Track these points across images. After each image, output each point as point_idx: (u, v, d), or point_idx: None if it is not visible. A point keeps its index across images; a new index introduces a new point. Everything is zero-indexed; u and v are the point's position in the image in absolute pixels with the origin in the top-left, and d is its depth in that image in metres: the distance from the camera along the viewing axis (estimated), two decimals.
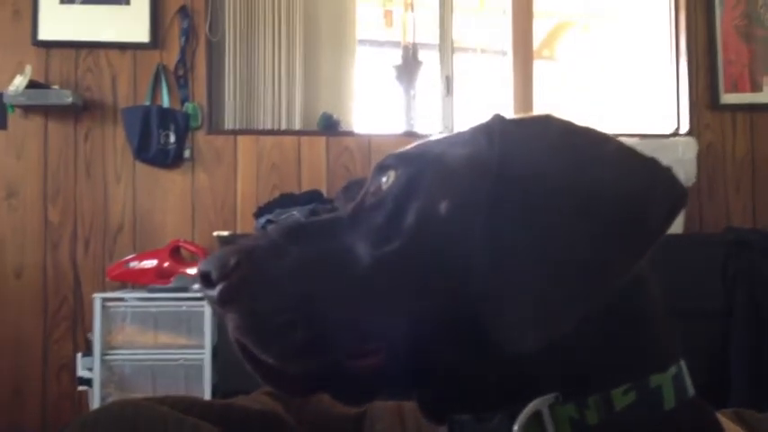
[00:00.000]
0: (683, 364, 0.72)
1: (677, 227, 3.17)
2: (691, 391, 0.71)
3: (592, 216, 0.61)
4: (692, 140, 3.28)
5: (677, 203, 0.65)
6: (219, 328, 2.94)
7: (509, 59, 3.80)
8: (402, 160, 0.70)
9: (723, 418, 1.20)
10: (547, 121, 0.71)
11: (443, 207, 0.64)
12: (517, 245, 0.59)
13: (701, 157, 3.47)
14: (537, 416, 0.63)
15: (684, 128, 3.68)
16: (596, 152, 0.67)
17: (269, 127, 3.60)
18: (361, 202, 0.71)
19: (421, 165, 0.68)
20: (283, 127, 3.61)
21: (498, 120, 0.70)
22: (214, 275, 0.65)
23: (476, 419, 0.69)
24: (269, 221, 3.09)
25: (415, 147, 0.73)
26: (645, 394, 0.66)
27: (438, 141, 0.73)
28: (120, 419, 1.08)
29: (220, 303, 0.65)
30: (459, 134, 0.73)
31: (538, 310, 0.58)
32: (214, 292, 0.65)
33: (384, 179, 0.69)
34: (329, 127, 3.58)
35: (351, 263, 0.65)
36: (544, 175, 0.62)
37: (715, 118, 3.69)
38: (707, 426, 0.73)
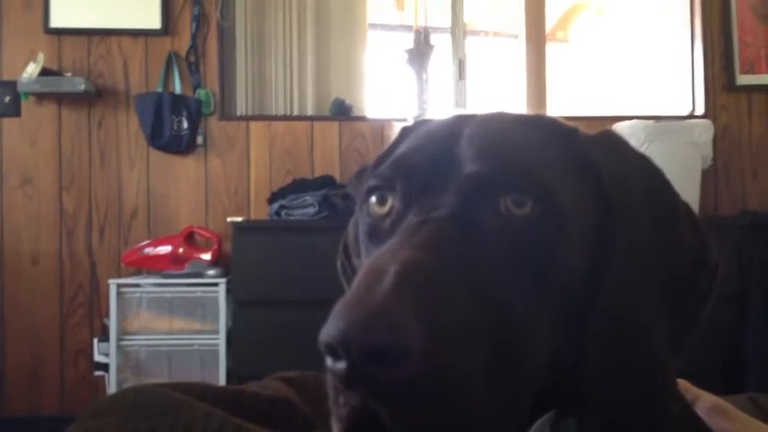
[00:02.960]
0: None
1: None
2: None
3: (681, 267, 0.66)
4: (707, 123, 3.25)
5: (719, 256, 0.71)
6: (234, 313, 2.96)
7: (522, 43, 3.77)
8: (537, 187, 0.62)
9: (730, 405, 1.21)
10: (623, 147, 0.71)
11: (576, 250, 0.62)
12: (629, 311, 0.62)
13: (717, 140, 3.45)
14: None
15: (700, 110, 3.65)
16: (678, 201, 0.70)
17: (281, 112, 3.60)
18: (467, 217, 0.61)
19: (556, 200, 0.62)
20: (295, 112, 3.60)
21: (595, 148, 0.68)
22: (389, 349, 0.48)
23: None
24: (282, 207, 3.10)
25: (515, 154, 0.65)
26: None
27: (534, 155, 0.65)
28: (133, 406, 1.09)
29: (378, 391, 0.49)
30: (562, 150, 0.67)
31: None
32: (375, 371, 0.48)
33: (511, 201, 0.61)
34: (341, 112, 3.58)
35: (517, 306, 0.58)
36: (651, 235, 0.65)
37: (731, 99, 3.65)
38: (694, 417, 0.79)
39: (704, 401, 1.21)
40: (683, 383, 1.23)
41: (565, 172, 0.64)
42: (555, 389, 0.63)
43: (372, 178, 0.69)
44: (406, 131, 0.77)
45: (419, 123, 0.77)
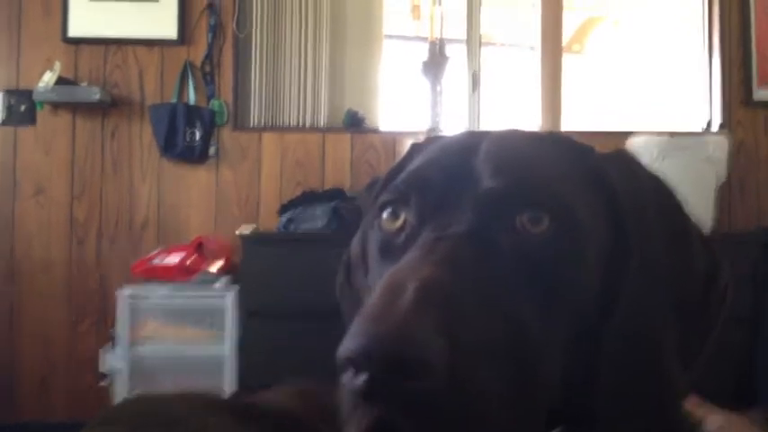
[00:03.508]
0: None
1: (706, 227, 3.11)
2: None
3: (692, 287, 0.67)
4: (723, 138, 3.23)
5: (729, 277, 0.73)
6: (242, 323, 2.96)
7: (537, 54, 3.76)
8: (553, 204, 0.62)
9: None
10: (638, 168, 0.72)
11: (592, 268, 0.62)
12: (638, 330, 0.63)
13: (733, 155, 3.41)
14: None
15: (716, 124, 3.61)
16: (689, 223, 0.72)
17: (294, 123, 3.60)
18: (486, 234, 0.61)
19: (573, 218, 0.62)
20: (308, 124, 3.60)
21: (612, 165, 0.69)
22: (411, 362, 0.48)
23: None
24: (290, 220, 3.10)
25: (533, 171, 0.65)
26: None
27: (553, 172, 0.66)
28: (141, 416, 1.09)
29: (401, 404, 0.49)
30: (576, 168, 0.68)
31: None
32: (397, 384, 0.49)
33: (528, 218, 0.62)
34: (354, 123, 3.57)
35: (534, 339, 0.58)
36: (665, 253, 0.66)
37: (748, 114, 3.60)
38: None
39: (714, 420, 1.20)
40: (693, 400, 1.22)
41: (581, 189, 0.64)
42: (565, 406, 0.62)
43: (386, 193, 0.69)
44: (416, 147, 0.77)
45: (431, 140, 0.76)
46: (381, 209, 0.68)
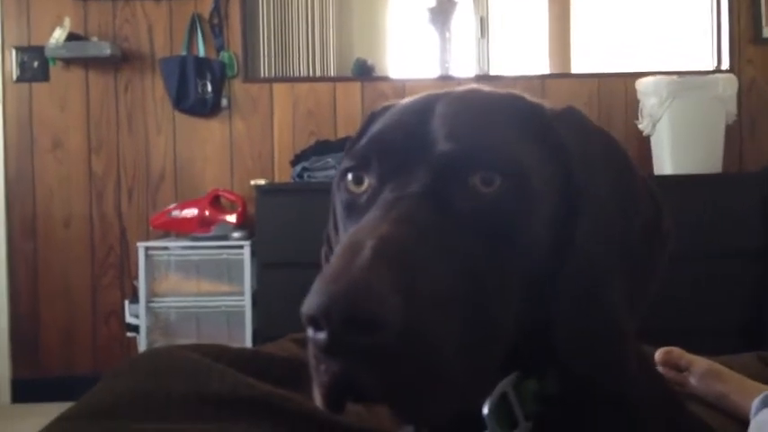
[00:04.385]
0: None
1: (715, 166, 3.13)
2: None
3: (636, 232, 0.71)
4: (732, 77, 3.22)
5: (672, 224, 0.76)
6: (259, 275, 3.01)
7: None
8: (504, 165, 0.66)
9: (724, 367, 1.23)
10: (584, 124, 0.75)
11: (543, 223, 0.66)
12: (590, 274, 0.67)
13: (743, 94, 3.40)
14: (503, 396, 0.67)
15: (725, 64, 3.60)
16: (635, 174, 0.75)
17: (304, 74, 3.62)
18: (441, 196, 0.64)
19: (524, 177, 0.66)
20: (318, 73, 3.62)
21: (566, 121, 0.73)
22: (373, 318, 0.51)
23: None
24: (305, 169, 3.13)
25: (485, 134, 0.68)
26: None
27: (505, 133, 0.69)
28: (152, 367, 1.14)
29: (358, 357, 0.53)
30: (526, 128, 0.70)
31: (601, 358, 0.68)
32: (372, 340, 0.52)
33: (480, 179, 0.65)
34: (363, 72, 3.59)
35: (489, 282, 0.62)
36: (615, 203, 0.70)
37: (758, 53, 3.58)
38: (650, 366, 0.85)
39: (699, 366, 1.24)
40: (676, 351, 1.26)
41: (531, 147, 0.68)
42: (521, 353, 0.66)
43: (347, 158, 0.73)
44: (375, 114, 0.80)
45: (387, 107, 0.79)
46: (344, 173, 0.72)
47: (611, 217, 0.69)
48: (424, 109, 0.72)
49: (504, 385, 0.67)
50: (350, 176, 0.71)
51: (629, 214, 0.70)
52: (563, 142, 0.70)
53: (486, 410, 0.66)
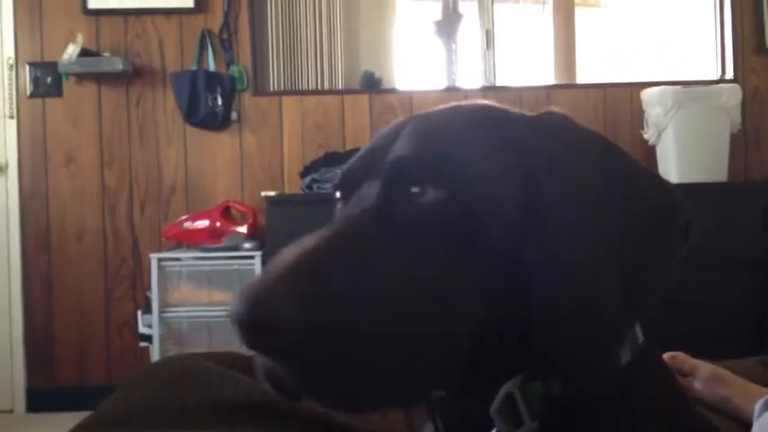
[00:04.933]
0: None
1: (721, 175, 3.16)
2: (640, 338, 0.77)
3: (638, 225, 0.69)
4: (736, 87, 3.25)
5: (692, 217, 0.73)
6: None
7: (550, 9, 3.77)
8: (439, 174, 0.67)
9: (728, 372, 1.25)
10: (562, 123, 0.74)
11: (494, 234, 0.66)
12: (570, 262, 0.66)
13: (747, 103, 3.43)
14: (509, 396, 0.69)
15: (729, 73, 3.63)
16: (635, 169, 0.74)
17: (312, 87, 3.67)
18: (384, 209, 0.67)
19: (460, 186, 0.67)
20: (326, 86, 3.67)
21: (517, 124, 0.73)
22: (268, 324, 0.57)
23: (456, 399, 0.74)
24: (314, 180, 3.18)
25: (436, 146, 0.70)
26: None
27: (461, 143, 0.70)
28: (167, 376, 1.16)
29: (279, 357, 0.59)
30: (486, 138, 0.71)
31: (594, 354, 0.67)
32: (268, 342, 0.58)
33: (416, 190, 0.67)
34: (371, 84, 3.63)
35: (411, 292, 0.62)
36: (588, 196, 0.69)
37: (761, 62, 3.62)
38: (655, 367, 0.81)
39: (702, 371, 1.26)
40: (680, 356, 1.27)
41: (490, 154, 0.69)
42: (522, 356, 0.68)
43: (333, 186, 0.78)
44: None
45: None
46: (335, 203, 0.76)
47: (597, 208, 0.68)
48: (394, 130, 0.74)
49: (510, 386, 0.69)
50: (338, 205, 0.76)
51: (626, 204, 0.69)
52: (529, 145, 0.70)
53: (492, 410, 0.69)
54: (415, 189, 0.66)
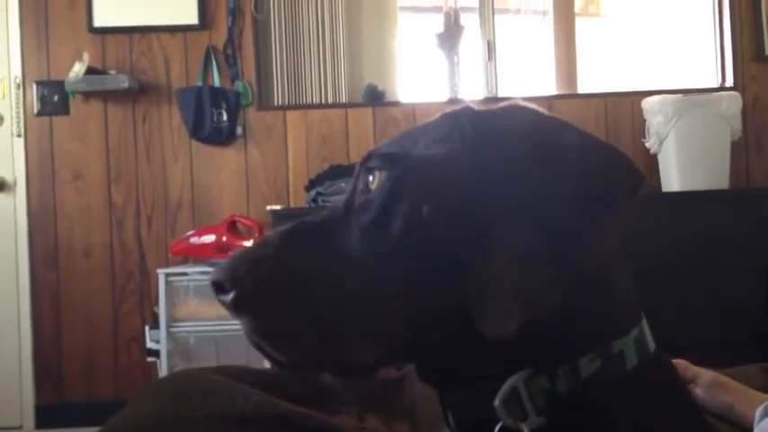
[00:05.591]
0: (644, 322, 0.78)
1: (722, 183, 3.18)
2: (651, 345, 0.78)
3: (561, 195, 0.69)
4: (736, 95, 3.26)
5: (636, 183, 0.73)
6: None
7: (550, 20, 3.80)
8: (387, 162, 0.75)
9: (730, 379, 1.26)
10: (514, 110, 0.78)
11: (426, 209, 0.71)
12: (494, 235, 0.69)
13: (748, 111, 3.45)
14: (514, 390, 0.72)
15: (729, 81, 3.65)
16: (561, 138, 0.74)
17: (316, 101, 3.70)
18: (351, 199, 0.77)
19: (403, 167, 0.74)
20: (330, 100, 3.70)
21: (467, 114, 0.77)
22: (227, 285, 0.70)
23: (463, 390, 0.77)
24: (319, 194, 3.20)
25: (397, 143, 0.79)
26: (609, 359, 0.73)
27: (417, 137, 0.78)
28: (177, 390, 1.19)
29: (234, 309, 0.71)
30: (436, 126, 0.78)
31: (515, 299, 0.67)
32: (227, 298, 0.71)
33: (371, 178, 0.75)
34: (374, 97, 3.66)
35: (350, 265, 0.72)
36: (515, 167, 0.71)
37: (761, 70, 3.63)
38: (663, 374, 0.81)
39: (704, 378, 1.27)
40: (682, 363, 1.29)
41: (446, 146, 0.74)
42: (526, 350, 0.70)
43: None
44: None
45: None
46: None
47: (524, 193, 0.69)
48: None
49: (515, 380, 0.71)
50: None
51: (550, 187, 0.69)
52: (470, 134, 0.74)
53: (497, 402, 0.71)
54: (370, 177, 0.76)
